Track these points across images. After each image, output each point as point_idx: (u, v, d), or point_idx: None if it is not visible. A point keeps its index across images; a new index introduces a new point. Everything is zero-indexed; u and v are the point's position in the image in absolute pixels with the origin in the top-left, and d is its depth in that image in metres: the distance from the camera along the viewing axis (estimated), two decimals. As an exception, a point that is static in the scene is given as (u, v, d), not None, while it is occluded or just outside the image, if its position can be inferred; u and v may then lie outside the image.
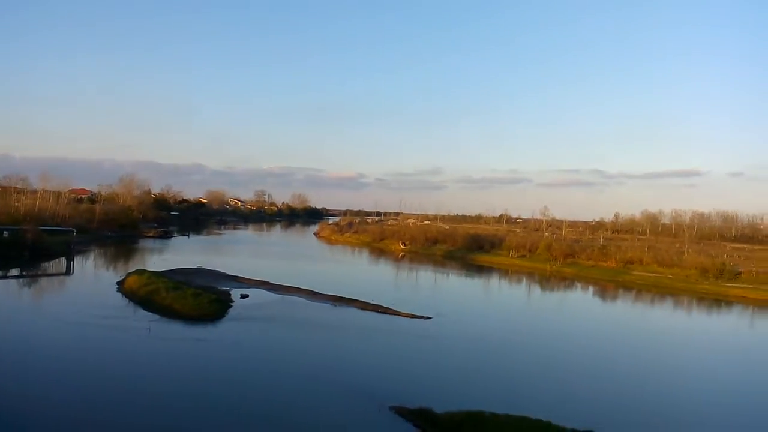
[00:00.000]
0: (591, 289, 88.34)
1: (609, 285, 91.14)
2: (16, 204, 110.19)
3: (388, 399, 29.25)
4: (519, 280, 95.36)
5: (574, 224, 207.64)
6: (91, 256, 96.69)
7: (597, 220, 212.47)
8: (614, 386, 35.74)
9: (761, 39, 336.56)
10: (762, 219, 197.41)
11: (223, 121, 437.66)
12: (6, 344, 37.70)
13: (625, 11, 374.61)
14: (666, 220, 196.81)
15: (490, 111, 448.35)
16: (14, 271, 75.72)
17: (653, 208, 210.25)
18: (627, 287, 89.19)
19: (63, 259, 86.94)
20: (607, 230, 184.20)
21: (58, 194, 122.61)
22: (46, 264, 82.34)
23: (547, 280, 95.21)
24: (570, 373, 38.35)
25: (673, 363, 44.44)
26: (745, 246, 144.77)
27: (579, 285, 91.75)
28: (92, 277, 73.96)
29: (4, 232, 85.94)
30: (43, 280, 72.30)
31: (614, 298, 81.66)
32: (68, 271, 79.83)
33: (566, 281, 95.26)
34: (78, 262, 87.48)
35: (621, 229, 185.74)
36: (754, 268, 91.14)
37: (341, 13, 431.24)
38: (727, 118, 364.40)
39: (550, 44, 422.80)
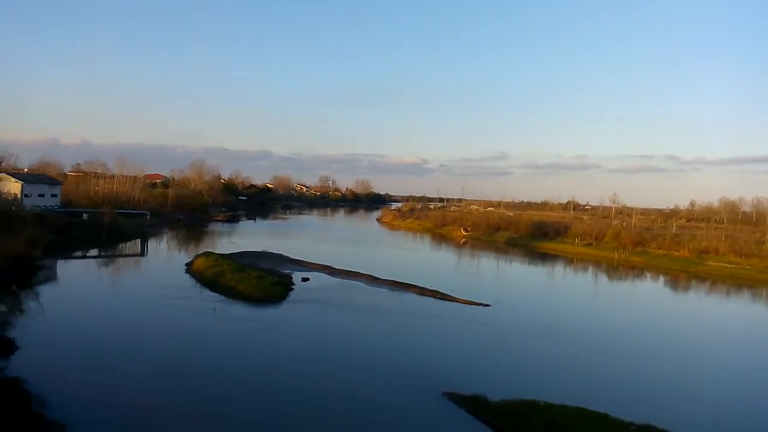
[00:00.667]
0: (661, 279, 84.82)
1: (681, 275, 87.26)
2: (96, 188, 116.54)
3: (442, 385, 29.30)
4: (584, 269, 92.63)
5: (645, 212, 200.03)
6: (164, 238, 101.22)
7: (671, 208, 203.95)
8: (678, 381, 34.30)
9: None
10: None
11: (290, 108, 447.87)
12: (83, 322, 40.03)
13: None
14: (746, 208, 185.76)
15: (557, 96, 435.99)
16: (93, 252, 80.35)
17: (732, 196, 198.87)
18: (701, 278, 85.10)
19: (138, 241, 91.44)
20: (681, 218, 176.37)
21: (133, 179, 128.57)
22: (122, 245, 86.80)
23: (614, 269, 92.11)
24: (631, 366, 36.99)
25: (740, 359, 42.07)
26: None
27: (648, 275, 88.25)
28: (164, 258, 77.40)
29: (84, 214, 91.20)
30: (120, 261, 76.36)
31: (686, 289, 78.13)
32: (142, 252, 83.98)
33: (635, 270, 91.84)
34: (151, 243, 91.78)
35: (697, 218, 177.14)
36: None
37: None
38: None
39: (628, 25, 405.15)
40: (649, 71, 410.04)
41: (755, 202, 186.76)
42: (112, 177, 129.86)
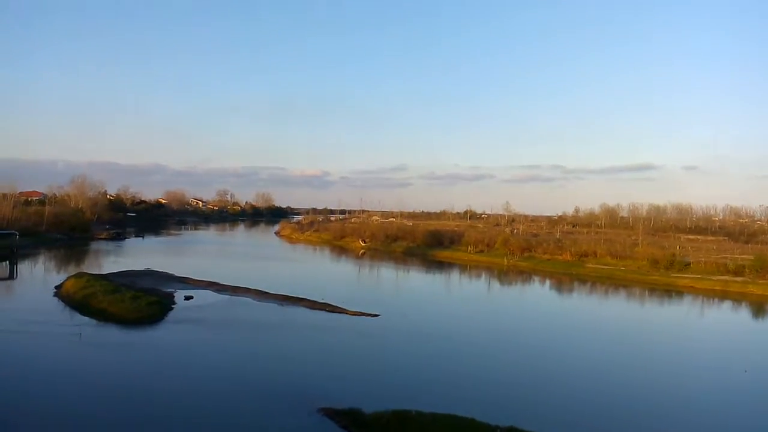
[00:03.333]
0: (545, 282, 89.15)
1: (564, 278, 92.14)
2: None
3: (320, 400, 28.47)
4: (476, 275, 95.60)
5: (536, 219, 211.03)
6: (39, 259, 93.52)
7: (559, 214, 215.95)
8: (554, 383, 35.49)
9: (718, 36, 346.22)
10: (715, 210, 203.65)
11: (183, 120, 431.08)
12: None
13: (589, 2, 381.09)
14: (624, 214, 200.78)
15: (453, 107, 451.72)
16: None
17: (612, 202, 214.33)
18: (581, 279, 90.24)
19: (6, 263, 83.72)
20: (567, 224, 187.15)
21: (2, 196, 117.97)
22: (-13, 268, 79.12)
23: (504, 275, 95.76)
24: (507, 368, 38.04)
25: (613, 355, 44.62)
26: (698, 237, 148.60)
27: (535, 278, 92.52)
28: (34, 282, 71.11)
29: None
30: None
31: (567, 290, 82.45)
32: (12, 275, 76.89)
33: (523, 275, 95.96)
34: (23, 265, 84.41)
35: (580, 223, 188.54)
36: (703, 259, 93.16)
37: (306, 4, 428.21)
38: (681, 113, 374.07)
39: (503, 35, 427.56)
40: (530, 81, 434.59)
41: (631, 208, 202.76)
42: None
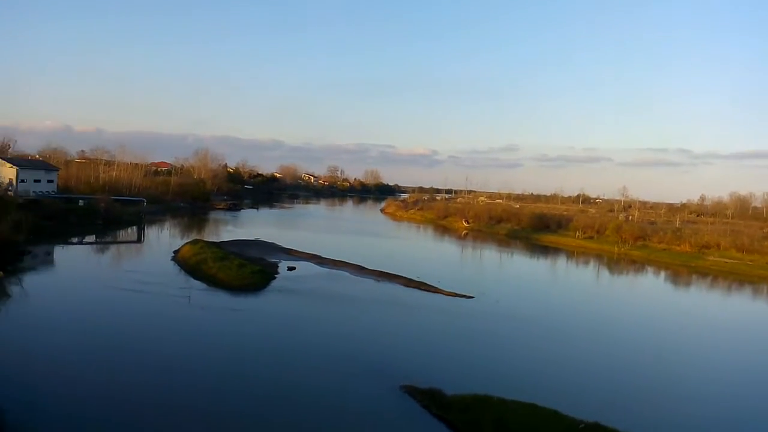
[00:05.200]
0: (660, 273, 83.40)
1: (681, 270, 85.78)
2: (100, 175, 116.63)
3: (403, 378, 28.67)
4: (582, 262, 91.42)
5: (655, 206, 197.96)
6: (165, 225, 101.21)
7: (683, 202, 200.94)
8: (653, 385, 33.19)
9: None
10: None
11: (301, 97, 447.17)
12: (58, 311, 39.91)
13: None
14: (757, 204, 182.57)
15: (570, 88, 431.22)
16: (90, 238, 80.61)
17: (743, 191, 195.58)
18: (700, 273, 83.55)
19: (135, 228, 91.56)
20: (690, 213, 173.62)
21: (134, 166, 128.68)
22: (119, 232, 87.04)
23: (613, 263, 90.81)
24: (601, 363, 36.05)
25: (730, 363, 40.95)
26: None
27: (648, 269, 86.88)
28: (156, 246, 77.21)
29: (81, 201, 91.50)
30: (113, 247, 76.51)
31: (684, 284, 76.67)
32: (139, 239, 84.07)
33: (634, 265, 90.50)
34: (149, 230, 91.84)
35: (705, 212, 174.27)
36: None
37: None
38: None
39: (641, 19, 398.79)
40: (663, 64, 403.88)
41: (766, 197, 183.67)
42: (114, 164, 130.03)
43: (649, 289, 72.76)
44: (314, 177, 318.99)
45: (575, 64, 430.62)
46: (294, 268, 59.05)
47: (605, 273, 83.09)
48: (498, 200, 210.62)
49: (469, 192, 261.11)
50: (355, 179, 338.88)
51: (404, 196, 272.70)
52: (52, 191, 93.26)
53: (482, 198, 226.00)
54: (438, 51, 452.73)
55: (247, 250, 67.05)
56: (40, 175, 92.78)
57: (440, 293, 52.29)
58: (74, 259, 64.05)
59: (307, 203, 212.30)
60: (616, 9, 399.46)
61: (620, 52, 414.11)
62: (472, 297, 51.26)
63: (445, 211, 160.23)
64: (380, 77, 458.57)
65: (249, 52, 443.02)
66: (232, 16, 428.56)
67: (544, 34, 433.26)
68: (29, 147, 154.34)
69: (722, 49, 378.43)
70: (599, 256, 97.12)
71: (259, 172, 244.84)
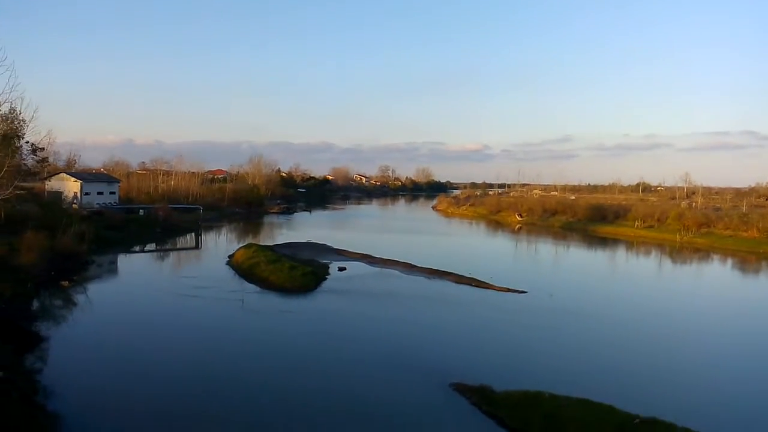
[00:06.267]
0: (726, 261, 79.50)
1: (749, 257, 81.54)
2: (159, 185, 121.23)
3: (452, 375, 28.47)
4: (641, 253, 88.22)
5: (720, 191, 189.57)
6: (222, 231, 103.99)
7: (751, 186, 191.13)
8: (704, 375, 31.67)
9: None
10: None
11: (350, 100, 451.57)
12: (117, 316, 41.52)
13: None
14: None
15: (623, 74, 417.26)
16: (150, 246, 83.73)
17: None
18: (771, 260, 79.14)
19: (192, 234, 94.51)
20: (760, 197, 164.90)
21: (191, 175, 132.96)
22: (178, 239, 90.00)
23: (676, 252, 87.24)
24: (657, 357, 34.30)
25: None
26: None
27: (713, 257, 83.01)
28: (213, 251, 79.36)
29: (141, 210, 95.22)
30: (172, 254, 79.14)
31: (752, 272, 72.77)
32: (197, 245, 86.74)
33: (698, 253, 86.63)
34: (206, 237, 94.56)
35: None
36: None
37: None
38: None
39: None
40: (720, 41, 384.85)
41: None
42: (172, 174, 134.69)
43: (715, 279, 69.44)
44: (365, 177, 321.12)
45: (627, 47, 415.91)
46: (344, 269, 59.50)
47: (667, 263, 79.83)
48: (553, 192, 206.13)
49: (523, 185, 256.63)
50: (406, 178, 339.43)
51: (456, 192, 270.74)
52: (114, 202, 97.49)
53: (537, 191, 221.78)
54: (483, 43, 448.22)
55: (299, 252, 68.10)
56: (103, 187, 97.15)
57: (492, 289, 51.58)
58: (135, 267, 66.57)
59: (358, 204, 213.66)
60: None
61: (674, 30, 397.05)
62: (525, 292, 50.33)
63: (497, 205, 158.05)
64: (428, 74, 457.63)
65: (296, 58, 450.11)
66: (278, 23, 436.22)
67: (594, 19, 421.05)
68: (94, 161, 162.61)
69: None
70: (660, 246, 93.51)
71: (312, 175, 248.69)
